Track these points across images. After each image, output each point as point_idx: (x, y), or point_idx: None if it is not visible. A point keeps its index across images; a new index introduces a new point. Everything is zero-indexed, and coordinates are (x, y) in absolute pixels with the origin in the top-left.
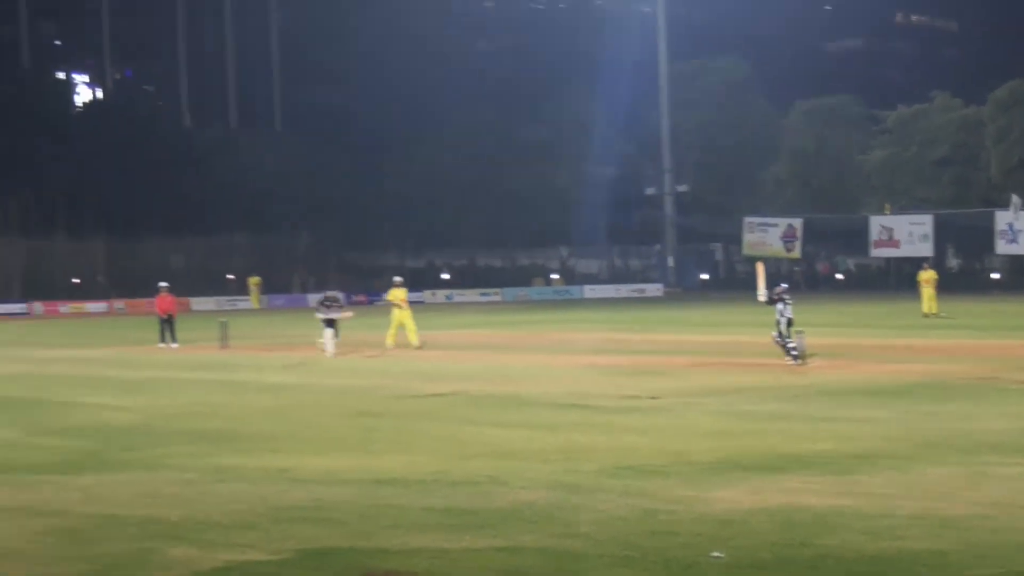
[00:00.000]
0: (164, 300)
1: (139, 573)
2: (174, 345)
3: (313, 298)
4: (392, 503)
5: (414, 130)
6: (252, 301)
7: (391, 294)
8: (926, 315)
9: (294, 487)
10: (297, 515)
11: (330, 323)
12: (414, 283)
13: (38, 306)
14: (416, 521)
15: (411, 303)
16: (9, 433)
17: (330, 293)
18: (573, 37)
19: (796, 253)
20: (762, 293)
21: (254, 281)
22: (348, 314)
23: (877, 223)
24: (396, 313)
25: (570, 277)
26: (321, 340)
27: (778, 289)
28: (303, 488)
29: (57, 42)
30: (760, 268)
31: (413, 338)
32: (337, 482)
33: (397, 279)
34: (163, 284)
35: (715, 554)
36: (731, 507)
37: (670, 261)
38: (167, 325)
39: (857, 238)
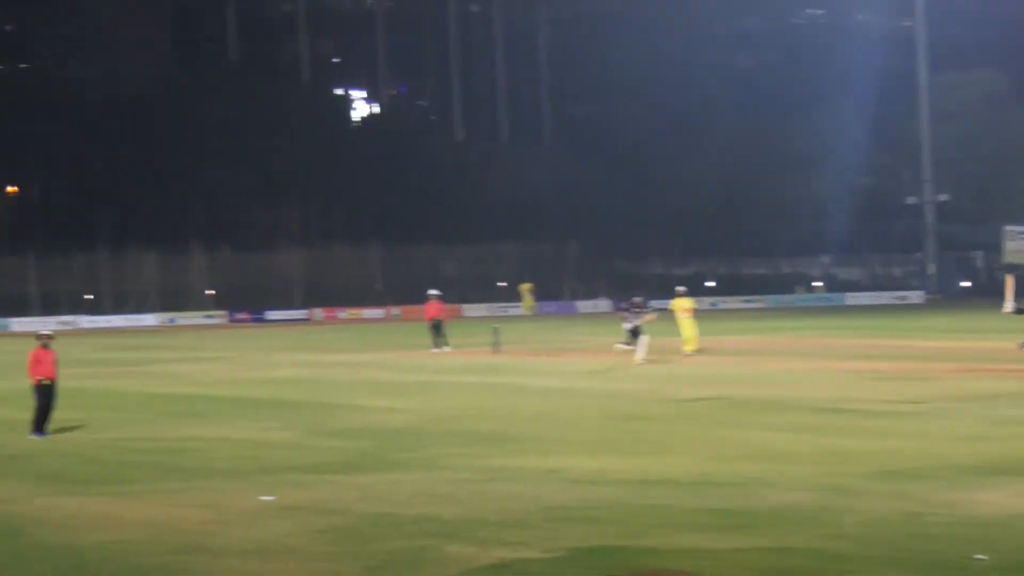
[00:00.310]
0: (432, 307)
1: (415, 570)
2: (447, 349)
3: (582, 305)
4: (660, 503)
5: (679, 141)
6: (524, 307)
7: (674, 304)
8: None
9: (565, 487)
10: (568, 514)
11: (635, 329)
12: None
13: (318, 312)
14: (684, 521)
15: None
16: (291, 435)
17: (635, 299)
18: (832, 50)
19: None
20: (1009, 304)
21: (526, 287)
22: (651, 316)
23: None
24: (682, 321)
25: (832, 284)
26: (618, 346)
27: None
28: (573, 488)
29: (335, 60)
30: (1009, 280)
31: (690, 346)
32: (606, 482)
33: (680, 289)
34: (433, 292)
35: (979, 557)
36: (994, 510)
37: (931, 269)
38: (436, 331)
39: None
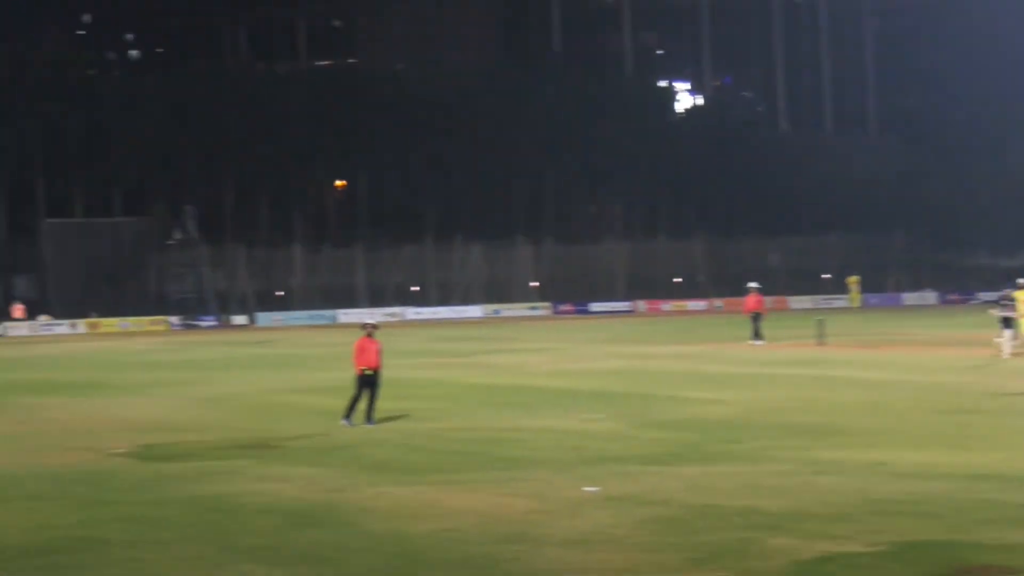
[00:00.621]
0: (751, 299)
1: (739, 562)
2: (758, 343)
3: (908, 297)
4: (988, 498)
5: (1006, 129)
6: (851, 300)
7: (1017, 295)
8: None
9: (890, 481)
10: (893, 508)
11: (1007, 322)
12: (1009, 282)
13: (641, 304)
14: (1013, 516)
15: (1005, 303)
16: (616, 426)
17: (1007, 291)
18: None
19: None
20: None
21: (852, 280)
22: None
23: None
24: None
25: None
26: (998, 339)
27: None
28: (899, 482)
29: (659, 52)
30: None
31: None
32: (932, 476)
33: (1021, 280)
34: (752, 284)
35: None
36: None
37: None
38: (755, 322)
39: None
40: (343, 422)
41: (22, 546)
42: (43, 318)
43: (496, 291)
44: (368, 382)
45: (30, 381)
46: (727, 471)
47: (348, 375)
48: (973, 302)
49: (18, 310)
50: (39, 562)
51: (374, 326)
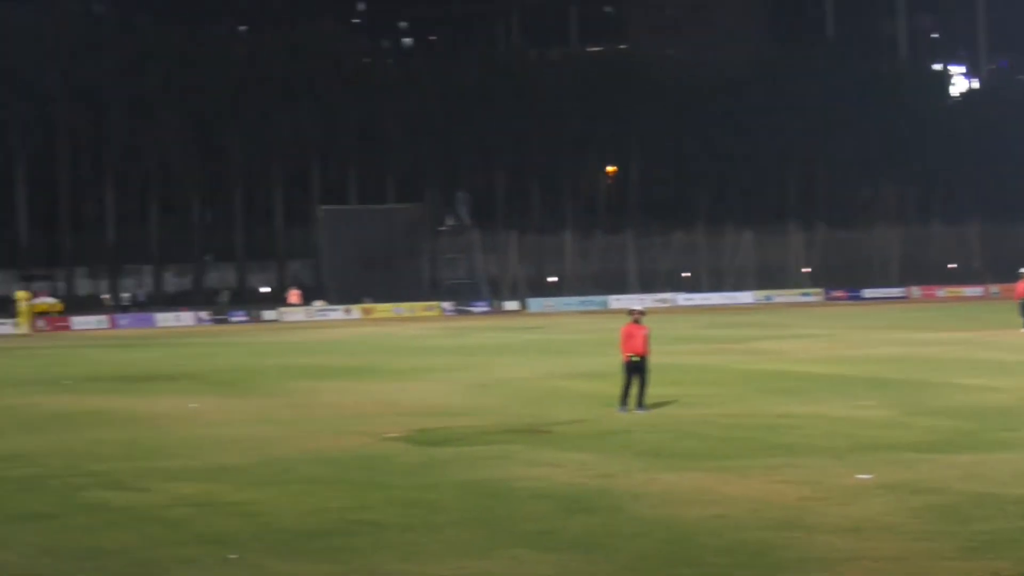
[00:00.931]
0: (1021, 285)
1: (1015, 551)
2: None
3: None
4: None
5: None
6: None
7: None
8: None
9: None
10: None
11: None
12: None
13: (915, 290)
14: None
15: None
16: (889, 413)
17: None
18: None
19: None
20: None
21: None
22: None
23: None
24: None
25: None
26: None
27: None
28: None
29: (934, 35)
30: None
31: None
32: None
33: None
34: (1023, 270)
35: None
36: None
37: None
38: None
39: None
40: (619, 410)
41: (298, 528)
42: (318, 303)
43: (768, 277)
44: (635, 368)
45: (306, 366)
46: (1003, 459)
47: (618, 361)
48: None
49: (294, 295)
50: (315, 544)
51: (641, 312)
